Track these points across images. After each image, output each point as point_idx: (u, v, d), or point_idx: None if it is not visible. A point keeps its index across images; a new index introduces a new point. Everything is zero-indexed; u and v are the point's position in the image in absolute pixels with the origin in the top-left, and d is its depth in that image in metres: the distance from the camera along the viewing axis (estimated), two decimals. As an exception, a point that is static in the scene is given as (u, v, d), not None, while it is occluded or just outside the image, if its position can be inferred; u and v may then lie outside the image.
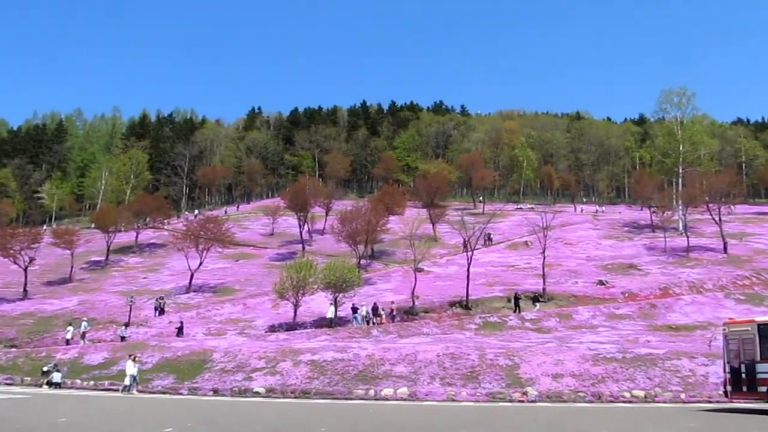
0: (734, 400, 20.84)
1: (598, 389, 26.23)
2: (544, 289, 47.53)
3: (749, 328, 20.43)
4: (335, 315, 42.82)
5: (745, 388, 20.07)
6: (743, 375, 20.10)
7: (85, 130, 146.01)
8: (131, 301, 46.05)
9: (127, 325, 42.14)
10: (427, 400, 26.39)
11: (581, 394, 25.91)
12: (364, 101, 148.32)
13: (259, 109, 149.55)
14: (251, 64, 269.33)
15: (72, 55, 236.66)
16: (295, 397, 27.65)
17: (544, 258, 49.72)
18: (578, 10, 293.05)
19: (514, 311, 42.96)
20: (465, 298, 45.74)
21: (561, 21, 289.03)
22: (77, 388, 31.21)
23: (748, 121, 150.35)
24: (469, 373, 28.50)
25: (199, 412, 21.19)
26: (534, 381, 27.07)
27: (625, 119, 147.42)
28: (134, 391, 28.74)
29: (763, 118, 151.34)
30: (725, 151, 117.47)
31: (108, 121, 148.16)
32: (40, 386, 31.66)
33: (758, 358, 19.83)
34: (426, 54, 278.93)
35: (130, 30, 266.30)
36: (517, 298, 44.28)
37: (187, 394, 29.03)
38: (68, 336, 41.01)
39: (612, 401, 25.12)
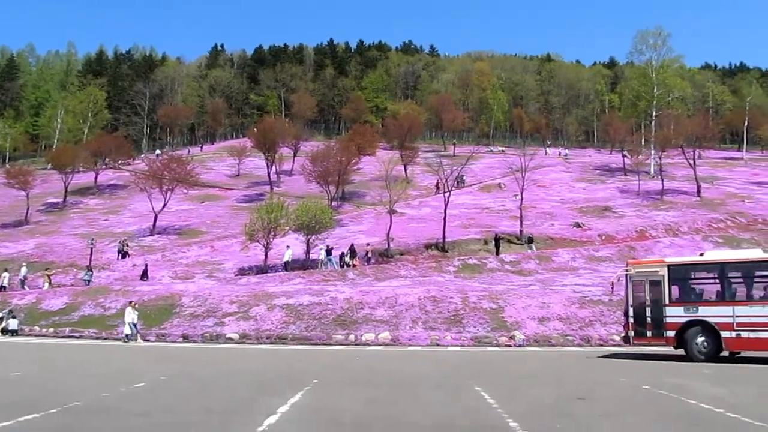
0: (636, 346, 20.14)
1: (587, 332, 25.38)
2: (521, 231, 46.51)
3: (658, 269, 19.53)
4: (302, 257, 41.19)
5: (650, 333, 19.26)
6: (649, 319, 19.27)
7: (38, 67, 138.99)
8: (92, 244, 43.72)
9: (90, 268, 39.96)
10: (410, 345, 25.24)
11: (570, 337, 25.02)
12: (331, 40, 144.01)
13: (222, 46, 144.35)
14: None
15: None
16: (271, 343, 26.25)
17: (522, 200, 48.62)
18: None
19: (496, 253, 41.84)
20: (441, 240, 44.46)
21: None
22: (36, 336, 29.36)
23: (716, 66, 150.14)
24: (452, 317, 27.37)
25: (171, 361, 19.61)
26: (520, 325, 26.07)
27: (595, 63, 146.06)
28: (140, 340, 26.93)
29: (730, 64, 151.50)
30: (693, 96, 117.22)
31: (63, 58, 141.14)
32: (-4, 333, 29.73)
33: (667, 301, 19.01)
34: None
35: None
36: (498, 240, 43.14)
37: (155, 341, 27.41)
38: (3, 283, 38.48)
39: (601, 344, 24.30)
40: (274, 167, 72.27)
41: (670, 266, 19.51)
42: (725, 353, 18.74)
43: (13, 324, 29.73)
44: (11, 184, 64.02)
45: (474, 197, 63.17)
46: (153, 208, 54.22)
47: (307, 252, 42.21)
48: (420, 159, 76.76)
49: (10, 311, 30.85)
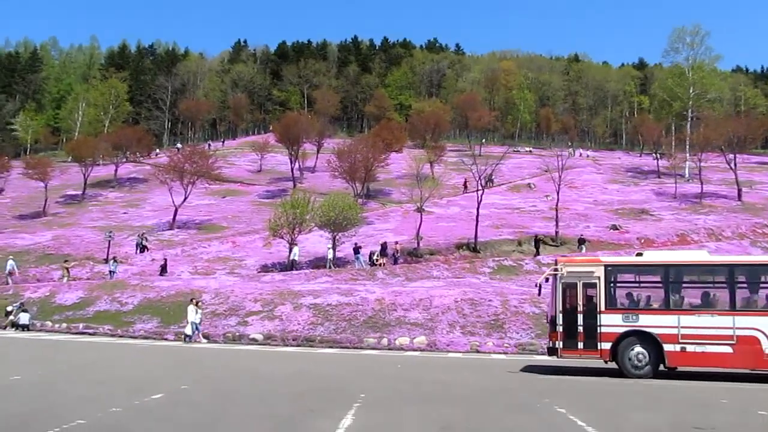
0: (565, 358, 17.03)
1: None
2: (556, 232, 44.34)
3: (593, 270, 16.88)
4: (334, 256, 39.26)
5: (581, 345, 16.52)
6: (581, 328, 16.57)
7: (60, 60, 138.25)
8: (110, 237, 42.09)
9: (116, 259, 38.27)
10: (449, 351, 23.28)
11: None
12: (355, 36, 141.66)
13: (245, 42, 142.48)
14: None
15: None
16: (298, 345, 24.43)
17: (558, 199, 46.43)
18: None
19: (536, 255, 39.60)
20: (473, 240, 42.40)
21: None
22: (48, 331, 27.68)
23: (747, 69, 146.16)
24: (492, 322, 25.39)
25: (192, 365, 17.69)
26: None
27: (623, 64, 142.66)
28: (202, 340, 25.01)
29: (762, 68, 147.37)
30: (725, 99, 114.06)
31: (85, 51, 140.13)
32: (5, 328, 28.05)
33: (603, 308, 16.46)
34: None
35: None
36: (538, 241, 40.90)
37: (174, 340, 25.61)
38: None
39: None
40: (297, 163, 70.38)
41: (607, 267, 16.96)
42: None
43: (24, 318, 28.04)
44: (30, 175, 62.74)
45: (504, 197, 60.91)
46: (174, 202, 52.56)
47: (334, 249, 40.26)
48: (446, 158, 74.78)
49: (21, 305, 29.20)
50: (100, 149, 73.13)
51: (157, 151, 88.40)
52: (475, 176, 46.09)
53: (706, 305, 16.47)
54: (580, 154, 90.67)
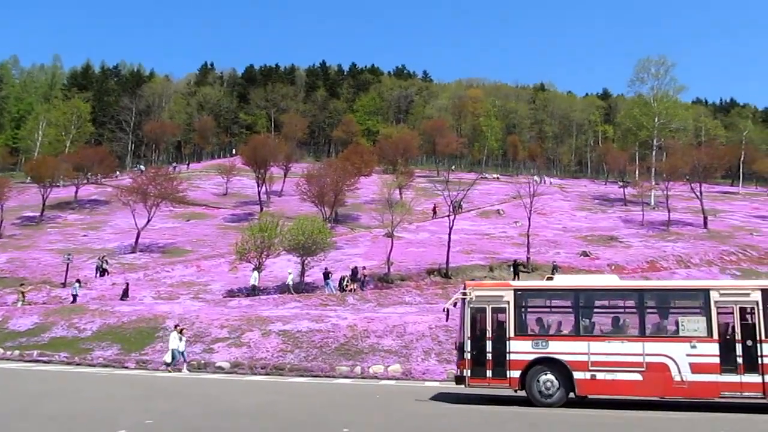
0: (473, 388, 16.44)
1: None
2: (528, 258, 43.89)
3: (503, 295, 16.40)
4: (295, 281, 38.20)
5: (490, 373, 15.97)
6: (489, 355, 16.04)
7: (21, 80, 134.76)
8: (68, 259, 40.43)
9: (79, 282, 36.68)
10: (425, 380, 22.40)
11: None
12: (323, 61, 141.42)
13: (212, 65, 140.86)
14: (204, 17, 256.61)
15: None
16: (267, 374, 23.31)
17: (530, 225, 46.24)
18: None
19: (514, 280, 39.06)
20: (444, 266, 41.75)
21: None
22: (-1, 359, 26.01)
23: (706, 101, 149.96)
24: (469, 349, 24.53)
25: (155, 396, 16.49)
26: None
27: (587, 94, 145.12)
28: (185, 369, 23.42)
29: (721, 100, 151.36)
30: (688, 129, 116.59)
31: (47, 71, 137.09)
32: (-49, 356, 26.31)
33: (512, 334, 16.00)
34: (388, 17, 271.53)
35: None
36: (516, 266, 40.38)
37: (135, 368, 24.26)
38: None
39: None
40: (264, 186, 69.24)
41: (516, 291, 16.49)
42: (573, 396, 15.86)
43: (-27, 345, 26.38)
44: (-16, 196, 60.43)
45: (473, 223, 60.58)
46: (136, 224, 50.98)
47: (302, 274, 39.23)
48: (415, 183, 74.46)
49: (-29, 331, 27.52)
50: (61, 169, 70.99)
51: (117, 173, 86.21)
52: (447, 201, 45.57)
53: (617, 331, 16.08)
54: (548, 182, 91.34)
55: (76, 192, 72.90)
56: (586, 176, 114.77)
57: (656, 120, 75.47)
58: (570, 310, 16.39)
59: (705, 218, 59.29)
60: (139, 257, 48.98)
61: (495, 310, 16.29)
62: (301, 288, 38.13)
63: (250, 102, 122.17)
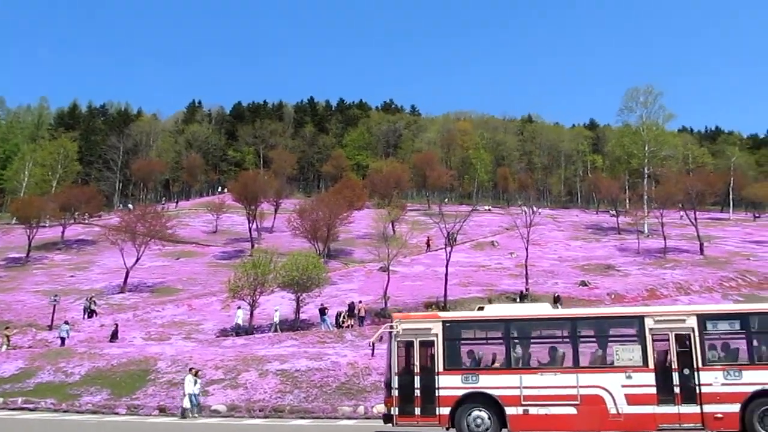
0: (401, 426, 15.57)
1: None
2: (527, 288, 43.23)
3: (431, 327, 15.64)
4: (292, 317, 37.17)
5: (418, 410, 15.17)
6: (418, 392, 15.26)
7: (7, 120, 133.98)
8: (55, 301, 39.21)
9: (68, 323, 35.43)
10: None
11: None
12: (311, 98, 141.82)
13: (200, 102, 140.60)
14: (190, 56, 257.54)
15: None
16: (265, 417, 22.21)
17: (527, 256, 45.50)
18: (523, 17, 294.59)
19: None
20: (443, 299, 40.87)
21: (508, 26, 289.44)
22: (-19, 407, 24.65)
23: (692, 129, 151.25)
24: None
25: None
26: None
27: (574, 125, 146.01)
28: (196, 415, 22.07)
29: (706, 128, 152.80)
30: (672, 157, 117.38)
31: (34, 111, 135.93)
32: (-70, 405, 24.90)
33: (441, 369, 15.28)
34: (374, 52, 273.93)
35: (59, 15, 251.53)
36: (523, 297, 39.60)
37: (126, 414, 23.03)
38: None
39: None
40: (255, 223, 68.31)
41: (445, 323, 15.73)
42: None
43: (-46, 393, 25.03)
44: (-31, 238, 59.18)
45: (468, 255, 59.86)
46: (125, 264, 49.83)
47: (297, 311, 38.18)
48: (407, 216, 73.91)
49: (-48, 378, 26.17)
50: (47, 209, 69.84)
51: (101, 214, 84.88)
52: (443, 233, 44.91)
53: (549, 363, 15.37)
54: (539, 213, 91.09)
55: (63, 232, 71.66)
56: (577, 206, 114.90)
57: (646, 148, 75.65)
58: (501, 341, 15.67)
59: (701, 245, 59.02)
60: (128, 297, 47.78)
61: (423, 344, 15.50)
62: (297, 325, 37.05)
63: (238, 139, 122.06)
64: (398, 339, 15.57)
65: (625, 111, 79.24)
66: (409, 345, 15.54)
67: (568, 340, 15.46)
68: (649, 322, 14.94)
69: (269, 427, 19.76)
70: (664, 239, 60.09)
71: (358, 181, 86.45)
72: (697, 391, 14.31)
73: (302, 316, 38.55)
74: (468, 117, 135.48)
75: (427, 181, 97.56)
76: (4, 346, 33.30)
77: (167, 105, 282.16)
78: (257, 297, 37.57)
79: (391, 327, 15.76)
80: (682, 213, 69.94)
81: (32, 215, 65.42)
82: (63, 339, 33.90)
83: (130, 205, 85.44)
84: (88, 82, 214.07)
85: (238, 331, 35.88)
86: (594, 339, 15.81)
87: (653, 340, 14.85)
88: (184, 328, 38.61)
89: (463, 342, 16.17)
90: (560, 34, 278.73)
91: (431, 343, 15.39)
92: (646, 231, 69.96)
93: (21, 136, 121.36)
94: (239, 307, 37.25)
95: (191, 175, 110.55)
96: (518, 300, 39.97)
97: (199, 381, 22.93)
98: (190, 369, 23.44)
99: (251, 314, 37.19)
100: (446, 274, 41.74)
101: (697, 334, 14.70)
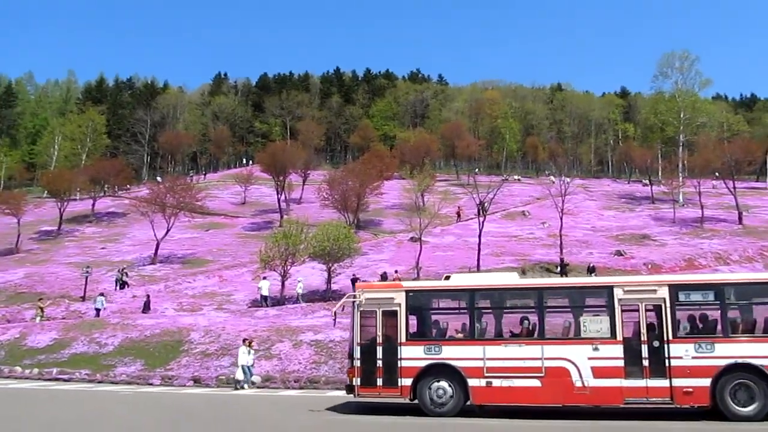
0: (363, 397, 15.37)
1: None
2: (561, 259, 42.16)
3: (393, 297, 15.25)
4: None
5: (380, 381, 14.90)
6: (380, 362, 14.95)
7: (36, 95, 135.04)
8: (87, 272, 39.27)
9: (103, 295, 35.48)
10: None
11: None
12: (337, 68, 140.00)
13: (226, 75, 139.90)
14: (215, 27, 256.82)
15: (22, 15, 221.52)
16: (300, 387, 21.84)
17: (562, 225, 44.48)
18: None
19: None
20: (476, 269, 40.09)
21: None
22: (16, 378, 24.64)
23: (726, 97, 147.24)
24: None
25: (192, 424, 15.00)
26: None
27: (604, 93, 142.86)
28: (245, 387, 21.58)
29: (741, 95, 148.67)
30: (707, 125, 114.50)
31: (62, 86, 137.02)
32: (-34, 375, 25.00)
33: (403, 339, 14.93)
34: (401, 21, 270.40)
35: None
36: (564, 265, 38.82)
37: (161, 385, 22.84)
38: None
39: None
40: (283, 194, 67.91)
41: (408, 293, 15.33)
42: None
43: (-11, 364, 25.07)
44: (2, 211, 59.60)
45: (499, 225, 58.87)
46: (155, 235, 49.82)
47: (329, 282, 37.76)
48: (436, 187, 73.00)
49: (-13, 349, 26.24)
50: (78, 182, 70.26)
51: (129, 187, 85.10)
52: (475, 203, 44.05)
53: (514, 334, 14.84)
54: (571, 182, 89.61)
55: (93, 205, 72.08)
56: (608, 176, 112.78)
57: (682, 115, 73.46)
58: (465, 312, 15.22)
59: (740, 214, 57.44)
60: (159, 269, 47.83)
61: (386, 314, 15.21)
62: (329, 296, 36.62)
63: (265, 110, 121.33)
64: (361, 309, 15.33)
65: (659, 77, 76.88)
66: (372, 315, 15.30)
67: (534, 310, 15.01)
68: (618, 293, 14.34)
69: (310, 399, 19.32)
70: (702, 208, 58.54)
71: (386, 151, 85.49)
72: (667, 365, 13.73)
73: (333, 286, 38.11)
74: (496, 86, 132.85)
75: (455, 151, 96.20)
76: (38, 318, 33.43)
77: (193, 77, 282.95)
78: (288, 267, 37.18)
79: (354, 296, 15.55)
80: (714, 182, 68.24)
81: (63, 188, 65.90)
82: (98, 310, 33.86)
83: (159, 178, 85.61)
84: (114, 55, 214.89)
85: (264, 302, 35.48)
86: (561, 310, 15.31)
87: (622, 311, 14.28)
88: (215, 299, 38.47)
89: (426, 312, 15.80)
90: (592, 2, 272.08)
91: (394, 313, 15.09)
92: (681, 200, 68.28)
93: (50, 111, 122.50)
94: (264, 278, 36.87)
95: (218, 148, 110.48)
96: (558, 269, 39.06)
97: (252, 352, 22.50)
98: (244, 340, 22.84)
99: (282, 285, 36.81)
100: (479, 244, 41.07)
101: (668, 305, 14.06)
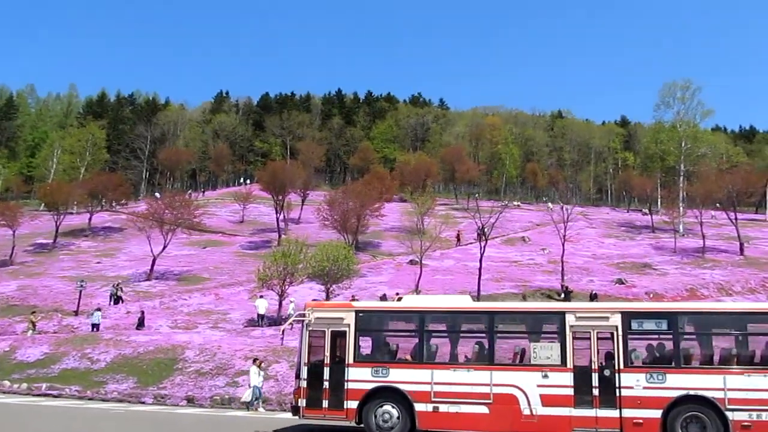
0: (308, 419, 15.00)
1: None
2: (564, 286, 41.71)
3: (343, 317, 14.93)
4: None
5: (326, 403, 14.54)
6: (326, 384, 14.60)
7: (37, 108, 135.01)
8: (81, 286, 38.65)
9: (100, 309, 34.80)
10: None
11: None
12: (339, 89, 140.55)
13: (227, 93, 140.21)
14: (219, 46, 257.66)
15: (24, 27, 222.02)
16: (297, 411, 21.03)
17: (563, 252, 44.06)
18: (554, 9, 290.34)
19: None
20: (476, 294, 39.57)
21: (539, 19, 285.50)
22: (5, 392, 23.93)
23: (725, 128, 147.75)
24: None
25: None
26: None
27: (604, 122, 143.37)
28: (260, 409, 21.03)
29: (741, 127, 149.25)
30: (708, 155, 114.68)
31: (63, 99, 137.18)
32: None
33: (351, 360, 14.60)
34: (402, 45, 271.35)
35: (89, 4, 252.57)
36: (568, 292, 38.38)
37: (153, 404, 22.17)
38: None
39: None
40: (282, 213, 67.50)
41: (358, 313, 15.00)
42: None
43: (-23, 378, 24.37)
44: (-3, 222, 59.05)
45: (499, 250, 58.44)
46: (152, 251, 49.25)
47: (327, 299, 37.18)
48: (435, 210, 72.71)
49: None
50: (75, 196, 69.73)
51: (127, 202, 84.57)
52: (477, 227, 43.68)
53: (463, 358, 14.57)
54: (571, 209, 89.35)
55: (90, 219, 71.50)
56: (607, 204, 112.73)
57: (683, 145, 73.43)
58: (414, 334, 14.85)
59: (741, 245, 57.12)
60: (154, 285, 47.21)
61: (335, 334, 14.88)
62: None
63: (265, 129, 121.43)
64: (310, 328, 15.04)
65: (661, 106, 76.89)
66: (320, 335, 14.96)
67: (484, 335, 14.67)
68: (570, 319, 13.95)
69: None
70: (703, 238, 58.25)
71: (386, 173, 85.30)
72: (617, 394, 13.36)
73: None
74: (497, 112, 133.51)
75: (455, 175, 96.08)
76: (30, 331, 32.77)
77: (195, 95, 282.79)
78: (286, 287, 36.65)
79: (303, 315, 15.20)
80: (714, 213, 67.96)
81: (60, 201, 65.41)
82: (95, 325, 33.12)
83: (157, 194, 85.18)
84: (116, 71, 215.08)
85: (261, 321, 34.91)
86: (513, 335, 15.05)
87: (574, 338, 13.88)
88: (211, 317, 37.84)
89: (376, 333, 15.46)
90: (592, 32, 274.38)
91: (343, 334, 14.77)
92: (682, 230, 67.99)
93: (50, 124, 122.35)
94: (261, 296, 36.33)
95: (218, 165, 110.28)
96: (562, 296, 38.57)
97: (262, 372, 21.92)
98: (254, 360, 22.26)
99: (279, 304, 36.25)
100: (480, 269, 40.63)
101: (620, 333, 13.69)
